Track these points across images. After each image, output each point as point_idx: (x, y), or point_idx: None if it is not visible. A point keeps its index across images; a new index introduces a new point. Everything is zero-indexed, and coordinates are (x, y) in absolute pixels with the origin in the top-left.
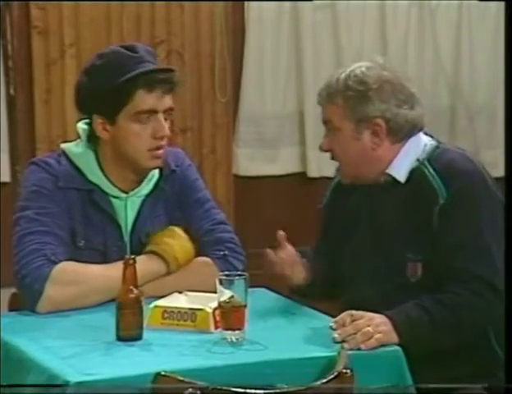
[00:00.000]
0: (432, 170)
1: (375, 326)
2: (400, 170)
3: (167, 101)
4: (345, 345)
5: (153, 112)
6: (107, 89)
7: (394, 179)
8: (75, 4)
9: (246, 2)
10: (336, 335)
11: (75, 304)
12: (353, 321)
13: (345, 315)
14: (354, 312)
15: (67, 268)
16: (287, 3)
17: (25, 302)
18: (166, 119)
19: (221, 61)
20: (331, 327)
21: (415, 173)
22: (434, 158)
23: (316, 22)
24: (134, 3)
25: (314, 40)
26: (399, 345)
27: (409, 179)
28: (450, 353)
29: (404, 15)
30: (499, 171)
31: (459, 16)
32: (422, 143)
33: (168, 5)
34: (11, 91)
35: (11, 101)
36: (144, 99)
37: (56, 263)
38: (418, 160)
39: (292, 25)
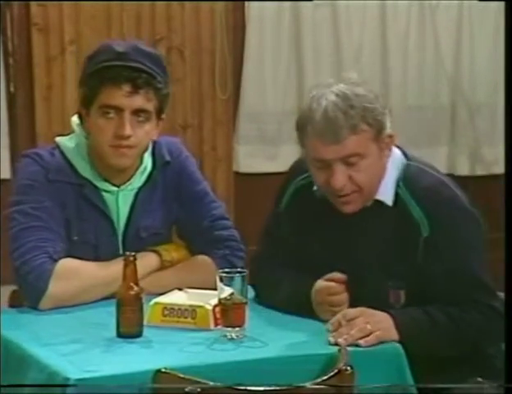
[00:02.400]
0: (410, 197)
1: (375, 323)
2: (386, 192)
3: (138, 101)
4: (341, 341)
5: (119, 109)
6: (83, 80)
7: (381, 203)
8: (75, 1)
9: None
10: (330, 338)
11: (77, 300)
12: (350, 320)
13: (339, 316)
14: (350, 310)
15: (69, 265)
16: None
17: (27, 299)
18: (142, 121)
19: (221, 59)
20: (327, 329)
21: (397, 198)
22: (409, 180)
23: (316, 20)
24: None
25: (314, 38)
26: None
27: (394, 202)
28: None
29: (405, 12)
30: (499, 167)
31: (459, 14)
32: (396, 157)
33: (169, 2)
34: (12, 88)
35: (12, 98)
36: (110, 95)
37: (57, 260)
38: (397, 182)
39: (292, 23)
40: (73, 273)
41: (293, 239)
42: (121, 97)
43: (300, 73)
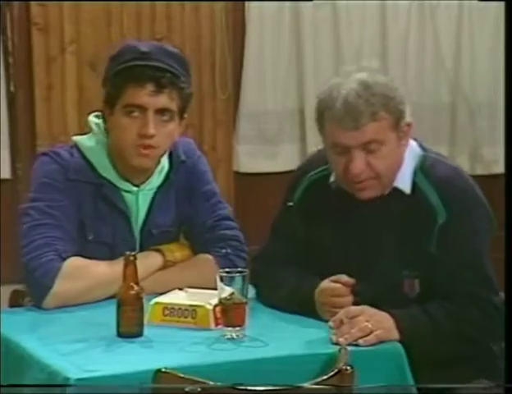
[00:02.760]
0: (428, 184)
1: (376, 322)
2: (404, 181)
3: (161, 100)
4: (341, 340)
5: (143, 108)
6: (106, 80)
7: (399, 191)
8: (75, 1)
9: None
10: (332, 336)
11: (81, 299)
12: (352, 318)
13: (341, 314)
14: (352, 308)
15: (76, 264)
16: None
17: (32, 296)
18: (165, 121)
19: (221, 58)
20: (330, 327)
21: (414, 186)
22: (427, 170)
23: (316, 19)
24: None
25: (314, 37)
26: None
27: (411, 191)
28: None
29: (405, 12)
30: (499, 167)
31: (459, 13)
32: (413, 149)
33: (169, 2)
34: (12, 88)
35: (12, 98)
36: (134, 94)
37: (65, 259)
38: (414, 171)
39: (292, 22)
40: (79, 272)
41: (304, 234)
42: (145, 96)
43: (300, 73)
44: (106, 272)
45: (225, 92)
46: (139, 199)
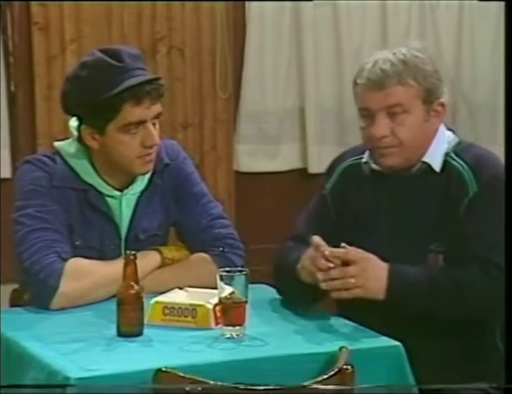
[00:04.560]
0: (462, 162)
1: (363, 279)
2: (434, 159)
3: (155, 108)
4: (323, 285)
5: (142, 122)
6: (93, 103)
7: (429, 168)
8: (75, 1)
9: None
10: (319, 275)
11: (87, 299)
12: (343, 264)
13: (338, 252)
14: (351, 252)
15: (79, 264)
16: None
17: (38, 298)
18: (154, 124)
19: (221, 58)
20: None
21: (446, 164)
22: (460, 151)
23: (317, 18)
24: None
25: (315, 36)
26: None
27: (442, 169)
28: (454, 348)
29: (405, 11)
30: None
31: (459, 13)
32: (447, 135)
33: (169, 1)
34: (12, 87)
35: (12, 97)
36: (132, 112)
37: (66, 260)
38: (446, 153)
39: (293, 22)
40: (83, 272)
41: (337, 219)
42: (143, 111)
43: (301, 72)
44: (109, 271)
45: (225, 91)
46: (123, 204)
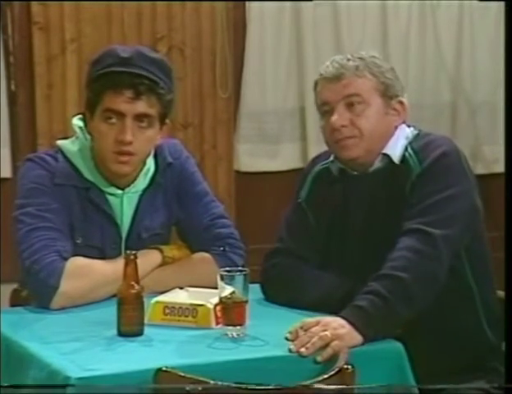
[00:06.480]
0: (410, 150)
1: (333, 329)
2: (395, 151)
3: (139, 107)
4: (303, 351)
5: (121, 115)
6: (87, 84)
7: (389, 161)
8: (76, 0)
9: None
10: (291, 346)
11: (88, 298)
12: (307, 329)
13: (297, 325)
14: (307, 320)
15: (79, 263)
16: None
17: (38, 298)
18: (144, 127)
19: (222, 57)
20: (286, 338)
21: (404, 158)
22: (414, 141)
23: (317, 18)
24: None
25: (315, 37)
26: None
27: (401, 161)
28: (445, 343)
29: (406, 11)
30: (500, 166)
31: (459, 13)
32: (408, 131)
33: (169, 1)
34: (12, 87)
35: (12, 96)
36: (112, 100)
37: (67, 258)
38: (405, 146)
39: (293, 21)
40: (84, 271)
41: (316, 225)
42: (123, 102)
43: (301, 72)
44: (110, 270)
45: (225, 91)
46: (124, 202)
